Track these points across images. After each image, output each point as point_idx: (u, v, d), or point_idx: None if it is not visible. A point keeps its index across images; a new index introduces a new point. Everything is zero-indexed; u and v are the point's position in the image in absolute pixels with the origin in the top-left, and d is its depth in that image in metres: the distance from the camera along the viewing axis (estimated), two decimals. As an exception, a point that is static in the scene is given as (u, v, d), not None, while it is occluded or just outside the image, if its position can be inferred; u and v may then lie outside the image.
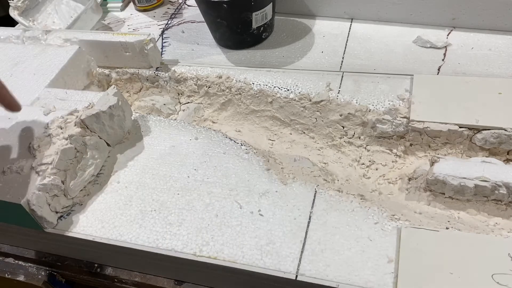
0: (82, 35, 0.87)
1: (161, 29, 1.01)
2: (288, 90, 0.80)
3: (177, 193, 0.64)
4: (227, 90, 0.84)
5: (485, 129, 0.66)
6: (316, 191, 0.63)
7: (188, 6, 1.08)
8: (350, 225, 0.58)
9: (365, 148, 0.76)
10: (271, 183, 0.64)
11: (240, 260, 0.56)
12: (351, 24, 0.92)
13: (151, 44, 0.85)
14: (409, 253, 0.54)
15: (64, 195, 0.64)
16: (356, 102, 0.75)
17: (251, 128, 0.85)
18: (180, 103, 0.90)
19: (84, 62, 0.86)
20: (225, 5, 0.81)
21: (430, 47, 0.83)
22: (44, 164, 0.61)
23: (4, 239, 0.76)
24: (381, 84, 0.77)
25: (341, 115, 0.76)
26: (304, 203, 0.61)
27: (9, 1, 1.02)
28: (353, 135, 0.77)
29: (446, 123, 0.68)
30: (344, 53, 0.85)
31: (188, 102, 0.90)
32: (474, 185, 0.60)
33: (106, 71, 0.91)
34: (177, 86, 0.89)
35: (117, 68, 0.91)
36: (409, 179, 0.69)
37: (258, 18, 0.85)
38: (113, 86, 0.73)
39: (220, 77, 0.84)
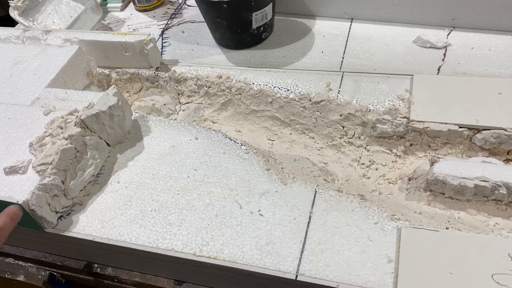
0: (82, 35, 0.87)
1: (161, 29, 1.01)
2: (288, 90, 0.80)
3: (177, 193, 0.64)
4: (227, 90, 0.84)
5: (485, 129, 0.66)
6: (316, 191, 0.63)
7: (188, 6, 1.08)
8: (350, 225, 0.58)
9: (365, 148, 0.77)
10: (271, 183, 0.64)
11: (240, 260, 0.56)
12: (351, 24, 0.92)
13: (151, 44, 0.85)
14: (409, 253, 0.54)
15: (64, 195, 0.64)
16: (356, 102, 0.75)
17: (251, 128, 0.85)
18: (180, 103, 0.90)
19: (84, 62, 0.86)
20: (225, 5, 0.81)
21: (430, 47, 0.83)
22: (44, 164, 0.61)
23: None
24: (381, 84, 0.77)
25: (341, 115, 0.76)
26: (304, 203, 0.61)
27: (9, 1, 1.02)
28: (353, 135, 0.77)
29: (446, 123, 0.68)
30: (344, 53, 0.85)
31: (188, 102, 0.90)
32: (474, 185, 0.60)
33: (106, 71, 0.91)
34: (177, 86, 0.89)
35: (117, 68, 0.91)
36: (409, 179, 0.70)
37: (258, 18, 0.85)
38: (113, 86, 0.73)
39: (220, 77, 0.84)
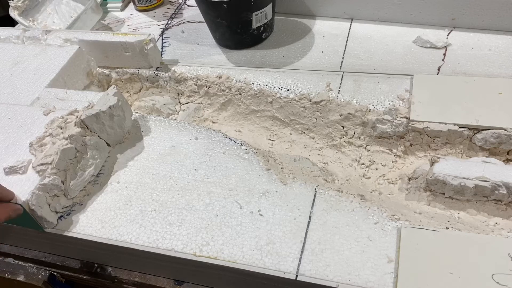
0: (82, 35, 0.87)
1: (161, 29, 1.01)
2: (288, 90, 0.80)
3: (177, 193, 0.64)
4: (227, 90, 0.84)
5: (485, 129, 0.66)
6: (316, 191, 0.63)
7: (188, 6, 1.08)
8: (350, 225, 0.58)
9: (365, 148, 0.77)
10: (271, 183, 0.64)
11: (240, 260, 0.56)
12: (351, 24, 0.92)
13: (151, 44, 0.85)
14: (409, 253, 0.54)
15: (64, 195, 0.64)
16: (356, 102, 0.75)
17: (251, 128, 0.85)
18: (180, 103, 0.90)
19: (84, 62, 0.86)
20: (225, 5, 0.81)
21: (430, 47, 0.83)
22: (44, 164, 0.61)
23: (4, 239, 0.76)
24: (381, 84, 0.77)
25: (341, 115, 0.76)
26: (304, 203, 0.61)
27: (9, 1, 1.02)
28: (353, 135, 0.77)
29: (446, 123, 0.68)
30: (344, 53, 0.85)
31: (188, 102, 0.90)
32: (474, 185, 0.60)
33: (106, 71, 0.91)
34: (177, 86, 0.89)
35: (117, 68, 0.91)
36: (409, 179, 0.69)
37: (258, 18, 0.85)
38: (113, 86, 0.73)
39: (220, 77, 0.84)
